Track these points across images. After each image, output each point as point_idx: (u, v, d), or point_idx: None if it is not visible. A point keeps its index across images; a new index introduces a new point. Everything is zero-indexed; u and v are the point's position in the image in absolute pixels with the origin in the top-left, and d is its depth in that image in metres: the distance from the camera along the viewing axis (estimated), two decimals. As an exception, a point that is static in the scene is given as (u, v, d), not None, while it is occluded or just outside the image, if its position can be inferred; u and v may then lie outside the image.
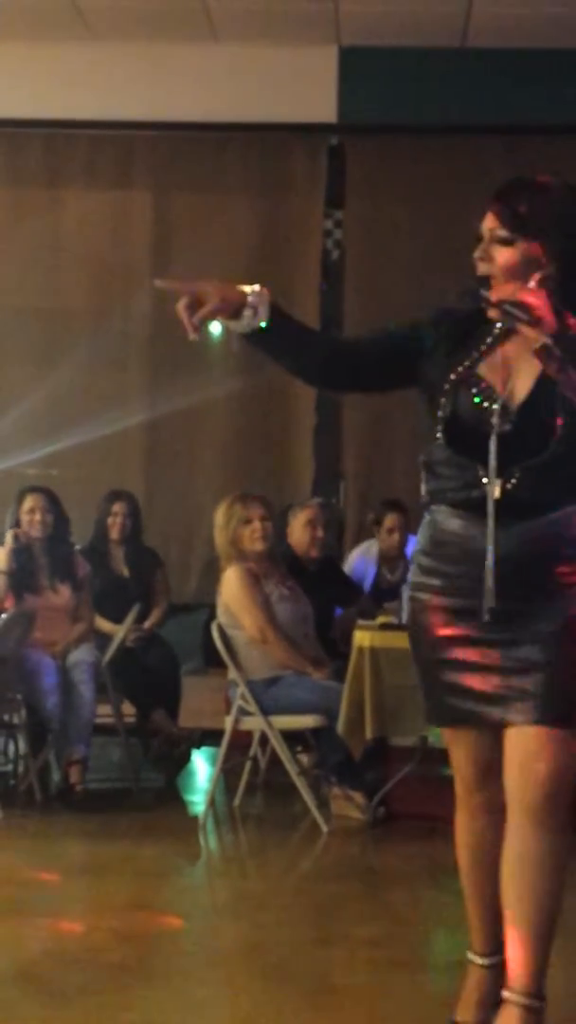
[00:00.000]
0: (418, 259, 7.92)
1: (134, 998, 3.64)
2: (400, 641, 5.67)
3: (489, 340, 3.06)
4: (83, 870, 5.22)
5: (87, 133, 8.32)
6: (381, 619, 6.06)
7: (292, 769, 5.85)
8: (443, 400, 3.02)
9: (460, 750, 3.11)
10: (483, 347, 3.06)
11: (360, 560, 7.44)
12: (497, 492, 2.95)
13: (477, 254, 3.04)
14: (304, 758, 6.31)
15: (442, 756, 5.78)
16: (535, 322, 2.85)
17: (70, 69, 8.14)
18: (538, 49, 7.86)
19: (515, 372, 3.02)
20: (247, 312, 2.97)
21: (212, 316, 2.93)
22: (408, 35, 7.81)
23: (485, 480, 2.96)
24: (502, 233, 3.01)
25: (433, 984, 3.83)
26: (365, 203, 8.31)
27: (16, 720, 6.61)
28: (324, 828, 5.69)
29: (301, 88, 8.12)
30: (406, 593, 3.21)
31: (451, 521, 3.04)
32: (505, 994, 2.97)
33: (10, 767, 6.91)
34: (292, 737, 6.07)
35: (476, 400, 3.01)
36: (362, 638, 5.79)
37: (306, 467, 8.30)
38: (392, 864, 5.32)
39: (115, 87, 8.13)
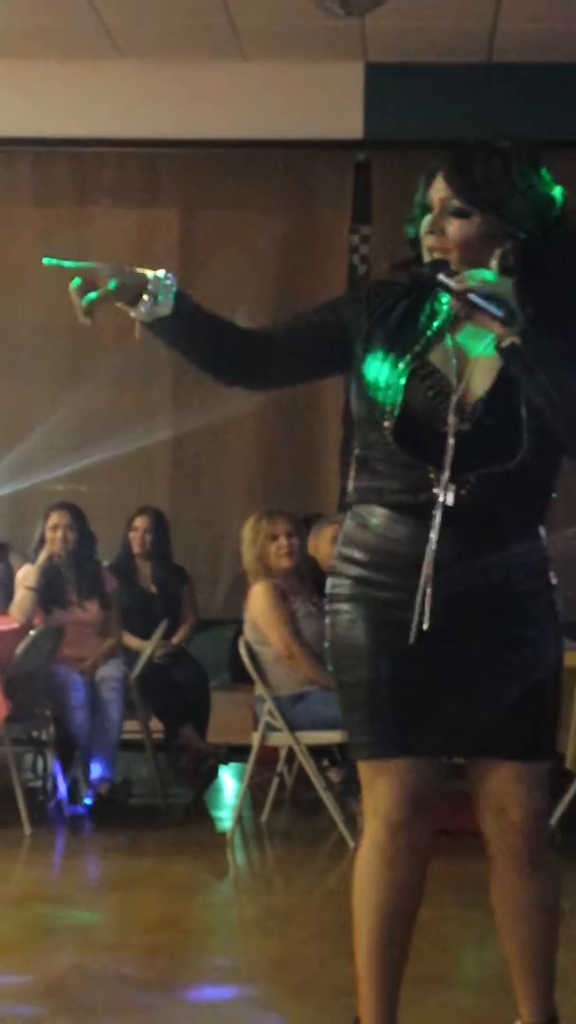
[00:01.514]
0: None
1: (162, 1014, 3.65)
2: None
3: (435, 323, 2.76)
4: (111, 886, 5.22)
5: (114, 151, 8.36)
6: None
7: (319, 784, 5.84)
8: (388, 392, 2.72)
9: (392, 784, 2.74)
10: (429, 331, 2.75)
11: None
12: (450, 498, 2.68)
13: (426, 227, 2.73)
14: (333, 774, 6.30)
15: (465, 771, 5.81)
16: (507, 320, 2.59)
17: (97, 88, 8.18)
18: (565, 63, 7.85)
19: (472, 363, 2.73)
20: (146, 299, 2.67)
21: (105, 301, 2.66)
22: (434, 51, 7.82)
23: (436, 484, 2.68)
24: (456, 203, 2.69)
25: (462, 1000, 3.82)
26: (391, 219, 8.31)
27: (44, 736, 6.63)
28: (351, 843, 5.67)
29: (327, 105, 8.14)
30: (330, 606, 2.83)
31: (391, 526, 2.73)
32: None
33: (39, 783, 6.92)
34: (319, 752, 6.07)
35: (429, 394, 2.71)
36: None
37: (332, 482, 8.30)
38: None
39: (142, 105, 8.16)
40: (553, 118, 7.82)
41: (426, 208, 2.75)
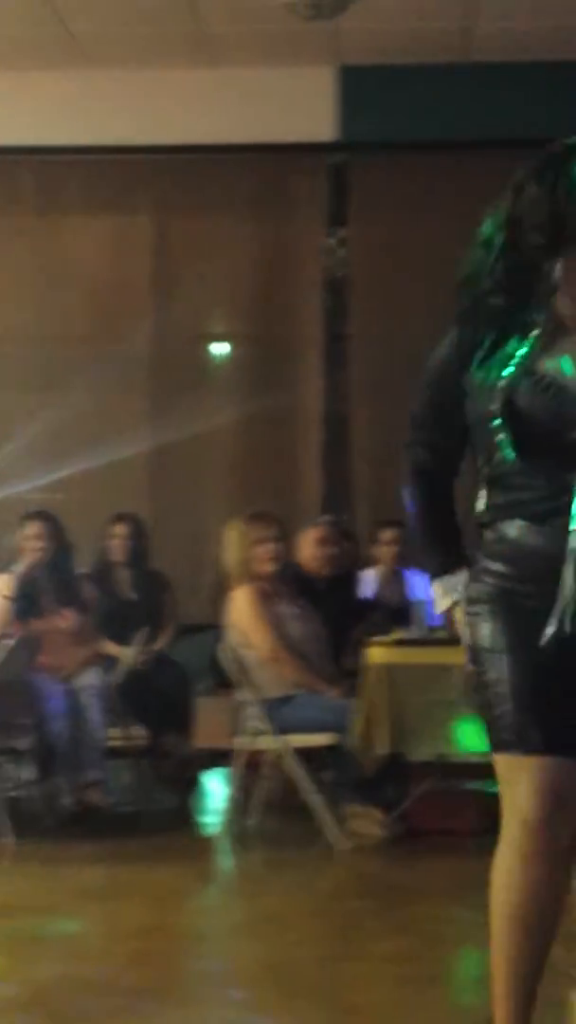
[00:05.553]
0: (423, 275, 7.87)
1: (152, 1021, 3.56)
2: (415, 657, 5.66)
3: (536, 333, 2.69)
4: (97, 894, 5.13)
5: (85, 159, 8.30)
6: (395, 635, 6.01)
7: (306, 787, 5.77)
8: (497, 406, 2.67)
9: (531, 781, 2.63)
10: (537, 343, 2.69)
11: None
12: None
13: None
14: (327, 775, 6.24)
15: (461, 771, 5.75)
16: None
17: (66, 95, 8.14)
18: (542, 62, 7.84)
19: None
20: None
21: None
22: (409, 52, 7.80)
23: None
24: None
25: (459, 999, 3.76)
26: (368, 221, 8.30)
27: (24, 746, 6.55)
28: (341, 846, 5.61)
29: (301, 108, 8.12)
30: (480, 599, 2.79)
31: (531, 536, 2.68)
32: None
33: (20, 793, 6.84)
34: (312, 756, 6.00)
35: (549, 401, 2.63)
36: (377, 654, 5.72)
37: (312, 487, 8.25)
38: (412, 880, 5.22)
39: (112, 112, 8.13)
40: (530, 117, 7.78)
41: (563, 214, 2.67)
